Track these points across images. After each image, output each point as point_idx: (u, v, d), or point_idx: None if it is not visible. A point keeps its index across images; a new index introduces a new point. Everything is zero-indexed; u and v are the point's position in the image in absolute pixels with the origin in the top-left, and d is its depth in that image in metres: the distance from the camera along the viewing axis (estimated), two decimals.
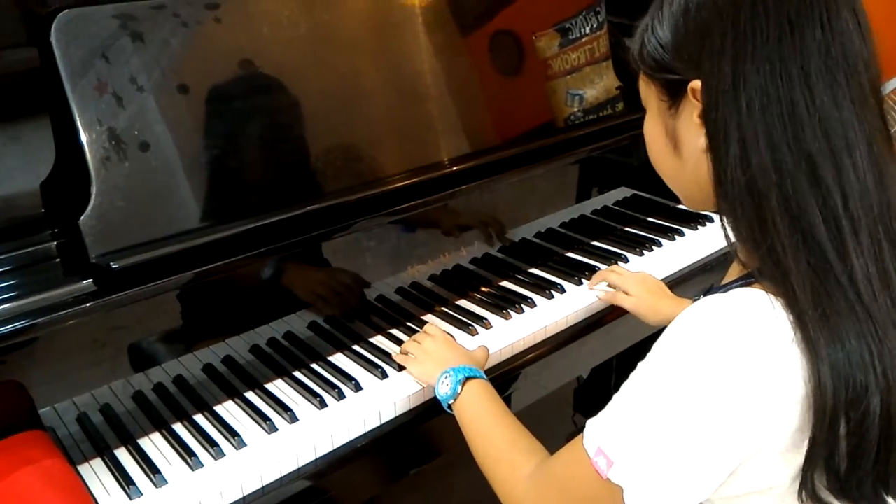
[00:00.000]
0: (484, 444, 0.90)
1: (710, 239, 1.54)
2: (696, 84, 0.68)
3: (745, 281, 0.68)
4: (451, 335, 1.15)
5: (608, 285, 1.31)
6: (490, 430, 0.91)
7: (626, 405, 0.69)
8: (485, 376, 1.00)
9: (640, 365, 0.69)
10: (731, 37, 0.64)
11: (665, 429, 0.65)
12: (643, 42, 0.74)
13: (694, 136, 0.71)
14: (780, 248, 0.63)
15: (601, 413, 0.72)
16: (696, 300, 0.70)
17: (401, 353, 1.13)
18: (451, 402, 0.97)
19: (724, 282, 0.77)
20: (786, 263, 0.63)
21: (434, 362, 1.05)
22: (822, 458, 0.63)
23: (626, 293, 1.25)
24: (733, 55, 0.64)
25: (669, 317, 1.19)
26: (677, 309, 1.18)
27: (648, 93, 0.77)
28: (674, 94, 0.73)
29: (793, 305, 0.63)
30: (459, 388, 0.97)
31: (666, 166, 0.79)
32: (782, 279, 0.64)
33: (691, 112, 0.71)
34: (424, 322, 1.26)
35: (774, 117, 0.63)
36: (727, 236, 0.70)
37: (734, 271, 0.77)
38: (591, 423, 0.72)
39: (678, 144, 0.75)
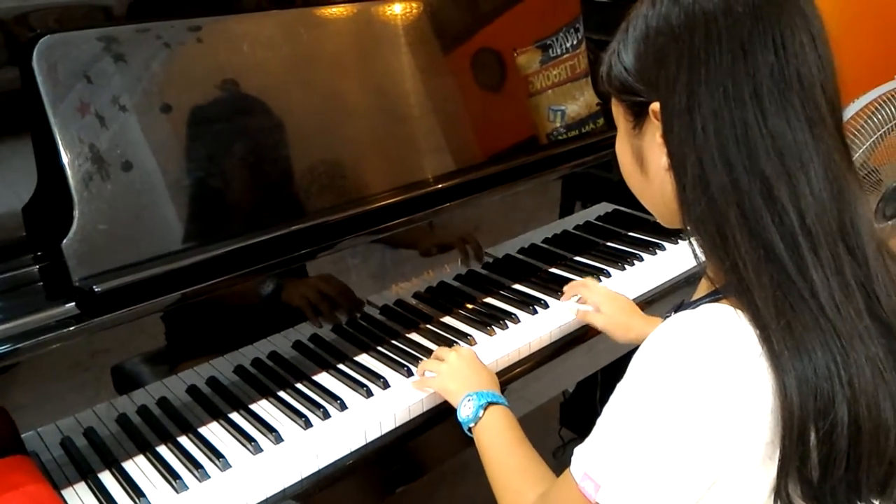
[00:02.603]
0: (496, 470, 0.93)
1: (690, 252, 1.55)
2: (656, 106, 0.71)
3: (714, 297, 0.70)
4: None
5: (580, 300, 1.31)
6: (504, 457, 0.93)
7: (607, 429, 0.71)
8: (506, 402, 1.02)
9: (618, 386, 0.70)
10: (686, 61, 0.67)
11: (644, 448, 0.66)
12: (610, 65, 0.76)
13: (657, 155, 0.73)
14: (742, 263, 0.65)
15: (586, 439, 0.73)
16: (666, 317, 0.71)
17: (420, 369, 1.14)
18: (471, 425, 0.99)
19: (693, 298, 0.79)
20: (748, 279, 0.65)
21: (457, 382, 1.06)
22: (794, 469, 0.64)
23: (597, 310, 1.26)
24: (688, 79, 0.67)
25: (641, 335, 1.21)
26: (648, 328, 1.19)
27: (618, 114, 0.80)
28: (638, 115, 0.75)
29: (757, 319, 0.64)
30: (481, 412, 0.99)
31: (635, 185, 0.82)
32: (746, 294, 0.65)
33: (654, 133, 0.73)
34: (410, 340, 1.26)
35: (728, 139, 0.65)
36: (695, 253, 0.72)
37: (703, 287, 0.79)
38: (577, 451, 0.73)
39: (644, 164, 0.77)
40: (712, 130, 0.65)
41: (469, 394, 1.01)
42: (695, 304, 0.71)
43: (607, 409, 0.71)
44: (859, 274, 0.66)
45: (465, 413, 1.00)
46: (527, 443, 0.95)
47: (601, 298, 1.27)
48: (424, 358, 1.19)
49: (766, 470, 0.66)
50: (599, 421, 0.72)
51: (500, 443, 0.95)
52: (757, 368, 0.63)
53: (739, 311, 0.66)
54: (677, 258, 1.55)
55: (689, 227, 0.71)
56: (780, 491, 0.66)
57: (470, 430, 1.00)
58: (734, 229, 0.65)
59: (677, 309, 0.73)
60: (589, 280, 1.37)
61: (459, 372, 1.07)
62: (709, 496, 0.68)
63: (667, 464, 0.65)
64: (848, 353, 0.63)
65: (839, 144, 0.68)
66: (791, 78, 0.65)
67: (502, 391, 1.20)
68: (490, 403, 0.99)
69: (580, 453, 0.73)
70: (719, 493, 0.68)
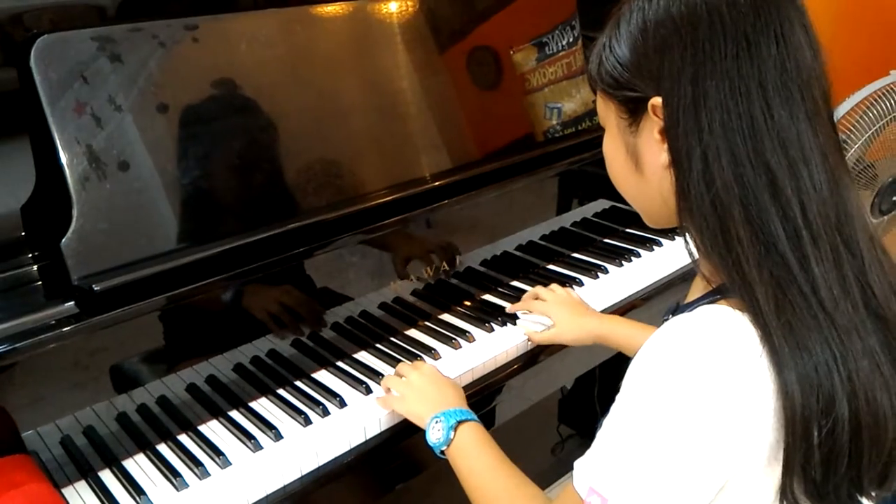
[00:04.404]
0: (482, 493, 0.88)
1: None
2: (657, 101, 0.69)
3: (711, 298, 0.69)
4: (436, 354, 1.14)
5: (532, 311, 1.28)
6: (487, 479, 0.88)
7: (610, 440, 0.69)
8: (476, 417, 0.97)
9: (618, 397, 0.69)
10: (690, 54, 0.66)
11: (650, 457, 0.65)
12: (601, 60, 0.75)
13: (656, 152, 0.72)
14: (744, 259, 0.64)
15: (587, 453, 0.71)
16: (664, 321, 0.70)
17: (384, 385, 1.10)
18: (443, 448, 0.94)
19: (688, 299, 0.78)
20: (749, 275, 0.64)
21: (422, 402, 1.01)
22: (798, 467, 0.64)
23: (549, 317, 1.24)
24: (693, 72, 0.66)
25: (592, 333, 1.20)
26: (599, 324, 1.19)
27: (607, 111, 0.78)
28: (633, 111, 0.73)
29: (758, 318, 0.64)
30: (452, 433, 0.93)
31: (628, 184, 0.79)
32: (747, 291, 0.64)
33: (652, 129, 0.71)
34: (408, 337, 1.27)
35: (735, 132, 0.65)
36: (690, 252, 0.71)
37: (697, 287, 0.78)
38: (578, 465, 0.71)
39: (639, 162, 0.75)
40: (718, 124, 0.65)
41: (436, 415, 0.96)
42: (691, 306, 0.70)
43: (609, 420, 0.69)
44: (855, 266, 0.65)
45: (434, 437, 0.95)
46: (507, 461, 0.89)
47: (551, 308, 1.24)
48: (422, 355, 1.19)
49: (772, 471, 0.66)
50: (601, 432, 0.70)
51: (479, 465, 0.90)
52: (758, 369, 0.63)
53: (738, 312, 0.65)
54: (674, 254, 1.55)
55: (688, 224, 0.69)
56: (785, 491, 0.65)
57: (443, 452, 0.94)
58: (737, 224, 0.64)
59: (674, 312, 0.72)
60: (540, 290, 1.30)
61: (423, 392, 1.02)
62: (717, 501, 0.67)
63: (674, 472, 0.64)
64: (846, 347, 0.63)
65: (834, 136, 0.68)
66: (792, 70, 0.65)
67: (501, 389, 1.21)
68: (460, 422, 0.94)
69: (583, 467, 0.71)
70: (727, 497, 0.67)
